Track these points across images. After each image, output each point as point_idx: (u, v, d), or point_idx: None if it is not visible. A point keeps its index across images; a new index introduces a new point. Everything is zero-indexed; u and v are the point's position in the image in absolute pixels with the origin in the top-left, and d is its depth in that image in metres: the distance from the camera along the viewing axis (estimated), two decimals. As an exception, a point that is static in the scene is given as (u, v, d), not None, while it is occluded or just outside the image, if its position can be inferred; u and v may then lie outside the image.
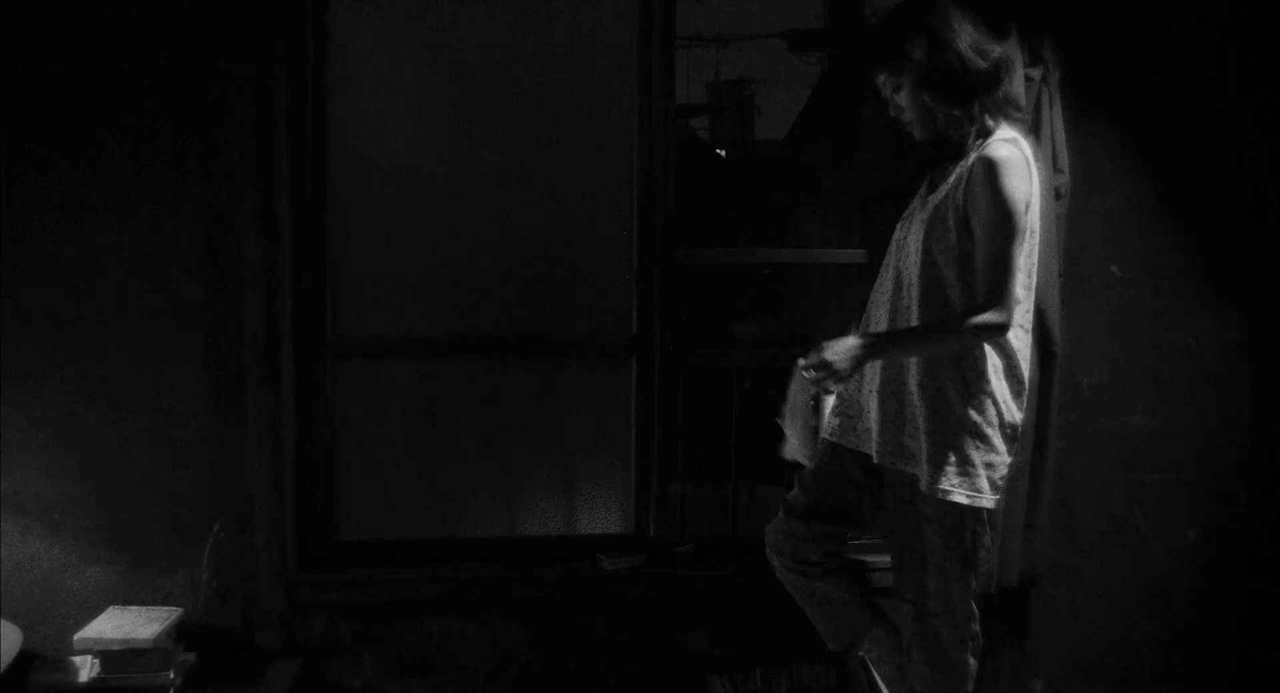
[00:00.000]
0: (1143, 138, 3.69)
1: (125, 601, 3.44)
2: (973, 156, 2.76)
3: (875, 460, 2.98)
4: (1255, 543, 3.80)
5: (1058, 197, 3.51)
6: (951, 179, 2.80)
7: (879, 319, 3.00)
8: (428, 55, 3.68)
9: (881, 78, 2.88)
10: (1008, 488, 3.50)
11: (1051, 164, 3.49)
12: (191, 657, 3.36)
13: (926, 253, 2.82)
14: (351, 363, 3.66)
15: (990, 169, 2.70)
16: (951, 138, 2.85)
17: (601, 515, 3.81)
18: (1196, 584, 3.82)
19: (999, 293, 2.70)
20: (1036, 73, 3.46)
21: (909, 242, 2.89)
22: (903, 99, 2.86)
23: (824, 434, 3.17)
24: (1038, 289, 3.48)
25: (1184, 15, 3.66)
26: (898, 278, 2.93)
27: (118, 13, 3.33)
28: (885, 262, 3.02)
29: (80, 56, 3.32)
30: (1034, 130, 3.47)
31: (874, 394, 2.98)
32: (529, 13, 3.67)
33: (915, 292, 2.84)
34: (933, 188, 2.92)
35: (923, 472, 2.85)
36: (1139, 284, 3.71)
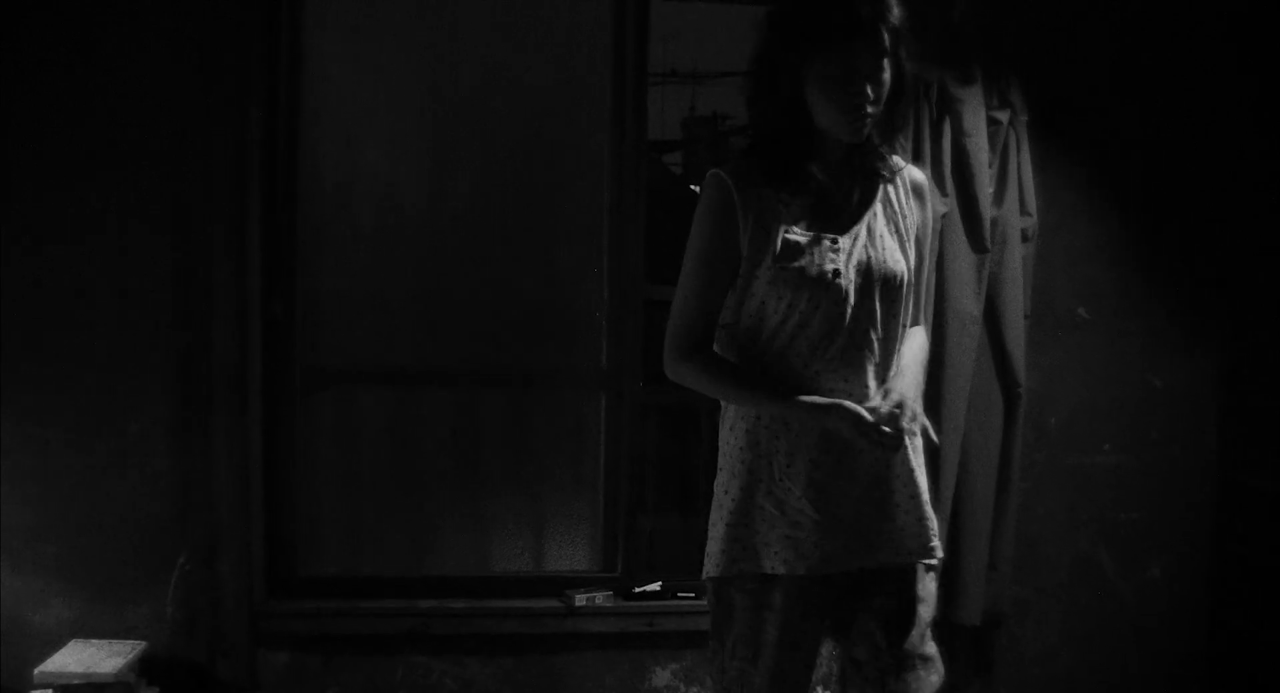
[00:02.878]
0: (1109, 180, 3.73)
1: (88, 633, 3.39)
2: (906, 172, 2.39)
3: (885, 562, 2.33)
4: (1223, 582, 3.82)
5: (1025, 238, 3.55)
6: (881, 193, 2.34)
7: (810, 351, 2.27)
8: (404, 88, 3.70)
9: (886, 41, 2.20)
10: (972, 527, 3.53)
11: (1019, 206, 3.53)
12: (155, 691, 3.32)
13: (900, 278, 2.33)
14: (322, 392, 3.66)
15: (926, 189, 2.43)
16: (864, 145, 2.30)
17: (570, 551, 3.81)
18: (1164, 624, 3.84)
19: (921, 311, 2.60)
20: (1004, 116, 3.50)
21: (853, 258, 2.28)
22: (884, 84, 2.23)
23: (775, 569, 2.29)
24: (1008, 328, 3.53)
25: (1151, 59, 3.71)
26: (839, 301, 2.26)
27: (90, 39, 3.33)
28: (800, 283, 2.25)
29: (54, 83, 3.32)
30: (1001, 172, 3.52)
31: (844, 478, 2.30)
32: (505, 47, 3.70)
33: (879, 316, 2.30)
34: (832, 200, 2.32)
35: (913, 541, 2.36)
36: (1105, 324, 3.75)
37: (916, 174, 2.44)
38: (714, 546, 2.35)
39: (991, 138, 3.50)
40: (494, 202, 3.72)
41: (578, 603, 3.58)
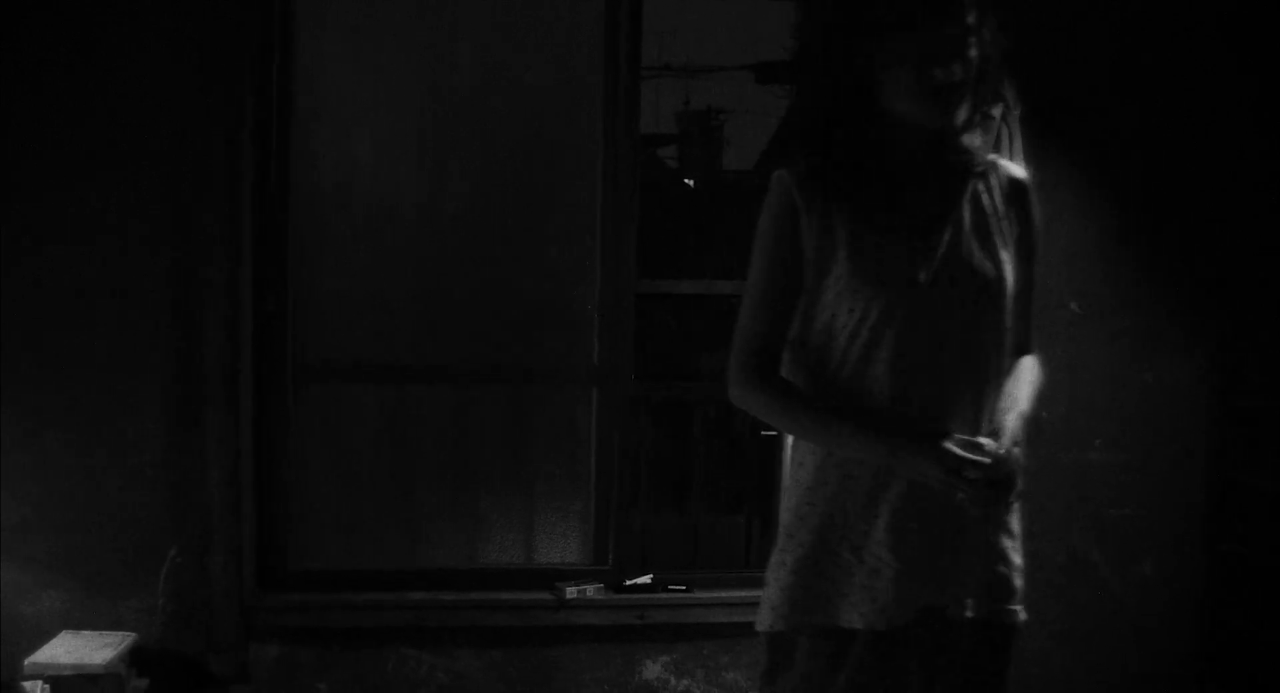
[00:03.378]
0: (1103, 175, 3.73)
1: (79, 625, 3.39)
2: (1000, 168, 2.09)
3: (972, 613, 2.02)
4: (1215, 578, 3.82)
5: (1018, 233, 3.55)
6: (969, 191, 2.03)
7: (889, 375, 1.95)
8: (399, 86, 3.70)
9: (973, 16, 1.92)
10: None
11: (1012, 201, 3.52)
12: (145, 683, 3.32)
13: (997, 286, 2.02)
14: (314, 388, 3.66)
15: (1030, 188, 2.10)
16: (946, 135, 1.99)
17: (562, 545, 3.81)
18: (1160, 622, 3.84)
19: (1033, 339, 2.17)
20: (997, 110, 3.49)
21: (934, 264, 1.96)
22: (971, 62, 1.91)
23: (852, 624, 1.99)
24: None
25: (1151, 59, 3.71)
26: (920, 314, 1.95)
27: (90, 39, 3.32)
28: (874, 292, 1.95)
29: (54, 82, 3.31)
30: (995, 167, 3.51)
31: (930, 521, 1.98)
32: (500, 44, 3.70)
33: (969, 334, 1.98)
34: (909, 198, 2.02)
35: (1001, 592, 2.10)
36: (1099, 320, 3.75)
37: (1015, 171, 2.09)
38: (776, 595, 2.05)
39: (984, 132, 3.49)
40: (488, 198, 3.72)
41: (569, 596, 3.58)
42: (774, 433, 8.19)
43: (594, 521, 3.77)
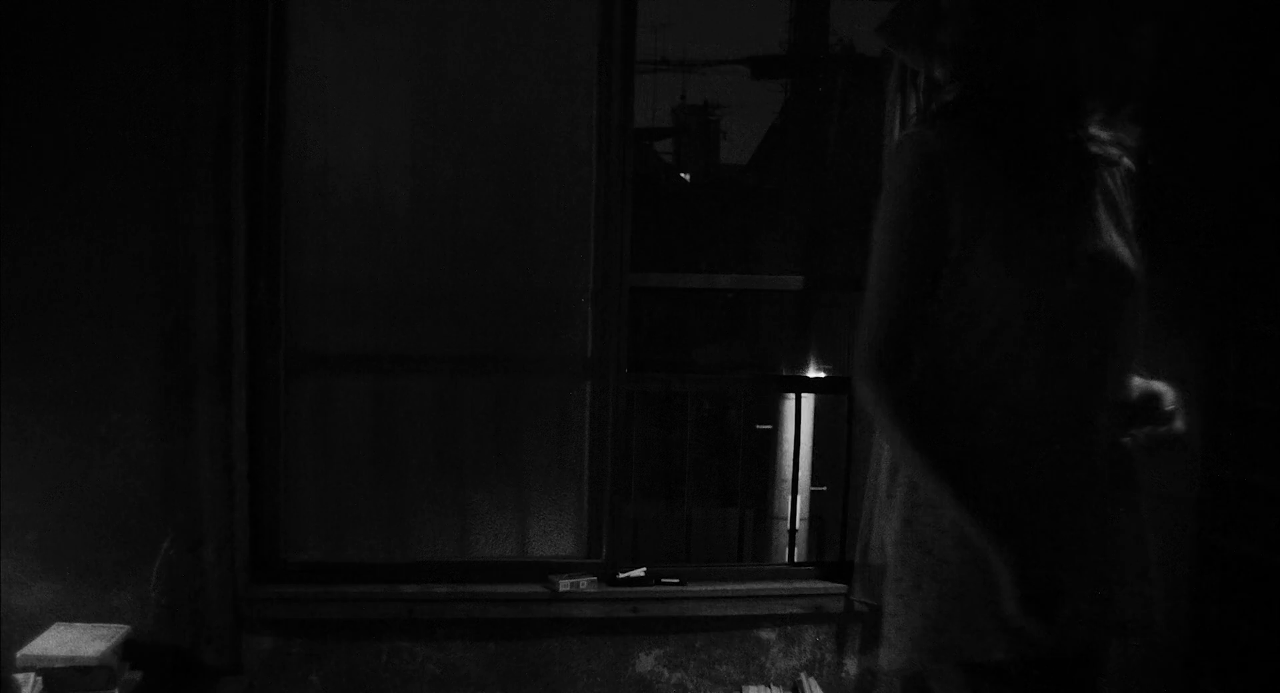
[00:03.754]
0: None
1: (71, 617, 3.39)
2: (1124, 163, 2.02)
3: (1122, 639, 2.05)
4: (1206, 576, 3.83)
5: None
6: (1100, 181, 1.96)
7: (1040, 366, 1.85)
8: (390, 74, 3.68)
9: None
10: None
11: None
12: (138, 675, 3.32)
13: (1136, 278, 1.94)
14: (306, 377, 3.65)
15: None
16: (1084, 121, 1.92)
17: (554, 537, 3.81)
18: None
19: None
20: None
21: (1098, 258, 1.87)
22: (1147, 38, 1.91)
23: (999, 655, 1.84)
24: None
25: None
26: (1076, 298, 1.85)
27: (79, 17, 3.31)
28: (1032, 273, 1.84)
29: (42, 59, 3.30)
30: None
31: (1075, 542, 1.89)
32: (491, 36, 3.68)
33: (1116, 325, 1.91)
34: (1050, 180, 1.91)
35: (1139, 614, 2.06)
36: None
37: (1130, 163, 2.01)
38: (907, 628, 1.87)
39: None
40: (481, 189, 3.71)
41: (562, 589, 3.58)
42: (769, 427, 8.23)
43: (587, 513, 3.77)
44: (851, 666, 3.75)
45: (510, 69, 3.70)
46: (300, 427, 3.66)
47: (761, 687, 3.67)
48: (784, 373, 9.14)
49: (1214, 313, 3.80)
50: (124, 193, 3.36)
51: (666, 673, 3.68)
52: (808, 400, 7.76)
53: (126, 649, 3.30)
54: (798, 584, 3.75)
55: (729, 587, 3.69)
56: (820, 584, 3.75)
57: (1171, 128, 3.71)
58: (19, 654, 3.14)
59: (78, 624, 3.34)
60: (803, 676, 3.69)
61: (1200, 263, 3.78)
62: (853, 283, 3.83)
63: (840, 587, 3.72)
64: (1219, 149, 3.76)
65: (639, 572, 3.71)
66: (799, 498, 8.60)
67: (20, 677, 3.17)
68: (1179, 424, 1.92)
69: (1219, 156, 3.76)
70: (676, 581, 3.69)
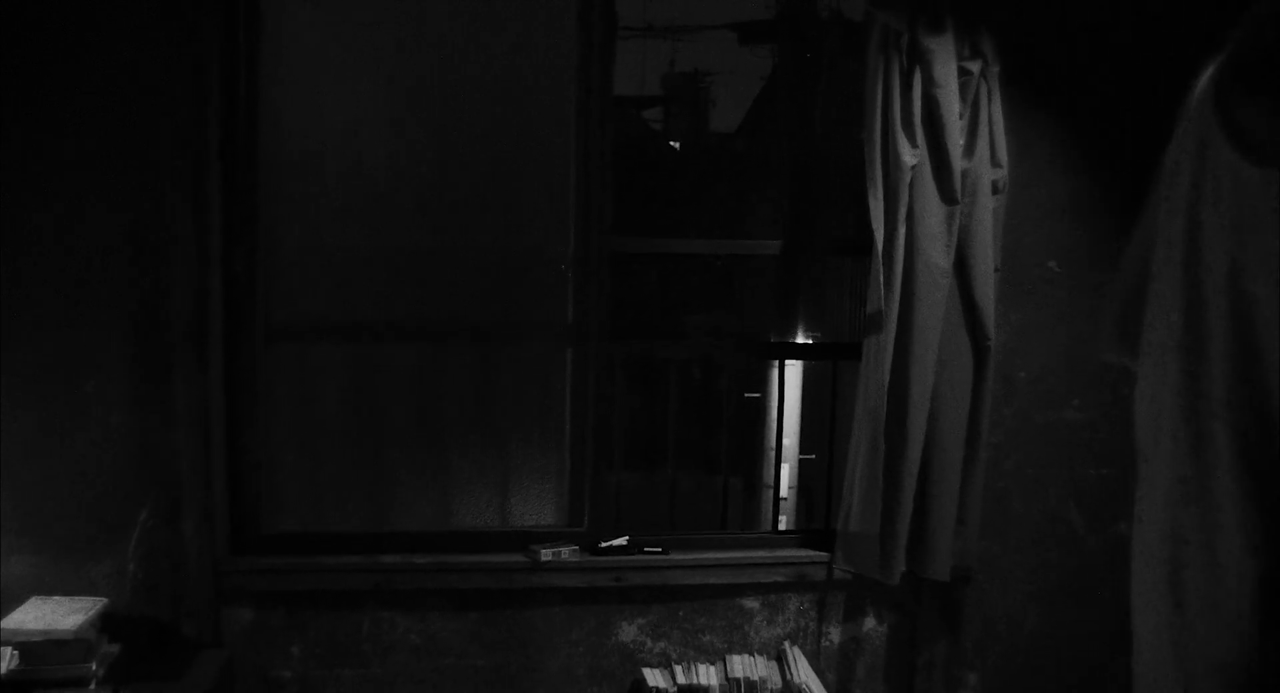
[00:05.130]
0: (1083, 132, 3.69)
1: (49, 591, 3.36)
2: None
3: None
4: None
5: (995, 191, 3.52)
6: None
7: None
8: (366, 40, 3.63)
9: None
10: (940, 482, 3.52)
11: (989, 158, 3.49)
12: (116, 648, 3.29)
13: None
14: (284, 347, 3.62)
15: None
16: None
17: (536, 506, 3.79)
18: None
19: None
20: (975, 66, 3.46)
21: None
22: None
23: None
24: (977, 281, 3.50)
25: (1130, 13, 3.66)
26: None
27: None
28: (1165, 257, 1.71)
29: (13, 33, 3.25)
30: (973, 124, 3.48)
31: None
32: (470, 2, 3.63)
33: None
34: None
35: None
36: (1077, 279, 3.72)
37: None
38: None
39: (963, 88, 3.45)
40: (459, 156, 3.68)
41: (543, 558, 3.56)
42: (756, 394, 8.21)
43: (569, 481, 3.75)
44: (835, 634, 3.74)
45: (489, 32, 3.65)
46: (280, 397, 3.63)
47: (745, 655, 3.65)
48: (772, 340, 9.13)
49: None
50: (97, 162, 3.30)
51: (649, 643, 3.67)
52: (796, 368, 7.74)
53: (105, 622, 3.27)
54: (781, 553, 3.74)
55: (712, 555, 3.68)
56: (804, 552, 3.73)
57: (1150, 92, 3.70)
58: (-5, 628, 3.12)
59: (55, 598, 3.32)
60: (786, 644, 3.68)
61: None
62: (836, 248, 3.80)
63: (823, 555, 3.70)
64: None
65: (621, 541, 3.69)
66: (787, 466, 8.61)
67: (-4, 650, 3.15)
68: None
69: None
70: (659, 549, 3.67)
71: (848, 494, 3.63)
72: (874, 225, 3.45)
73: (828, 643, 3.74)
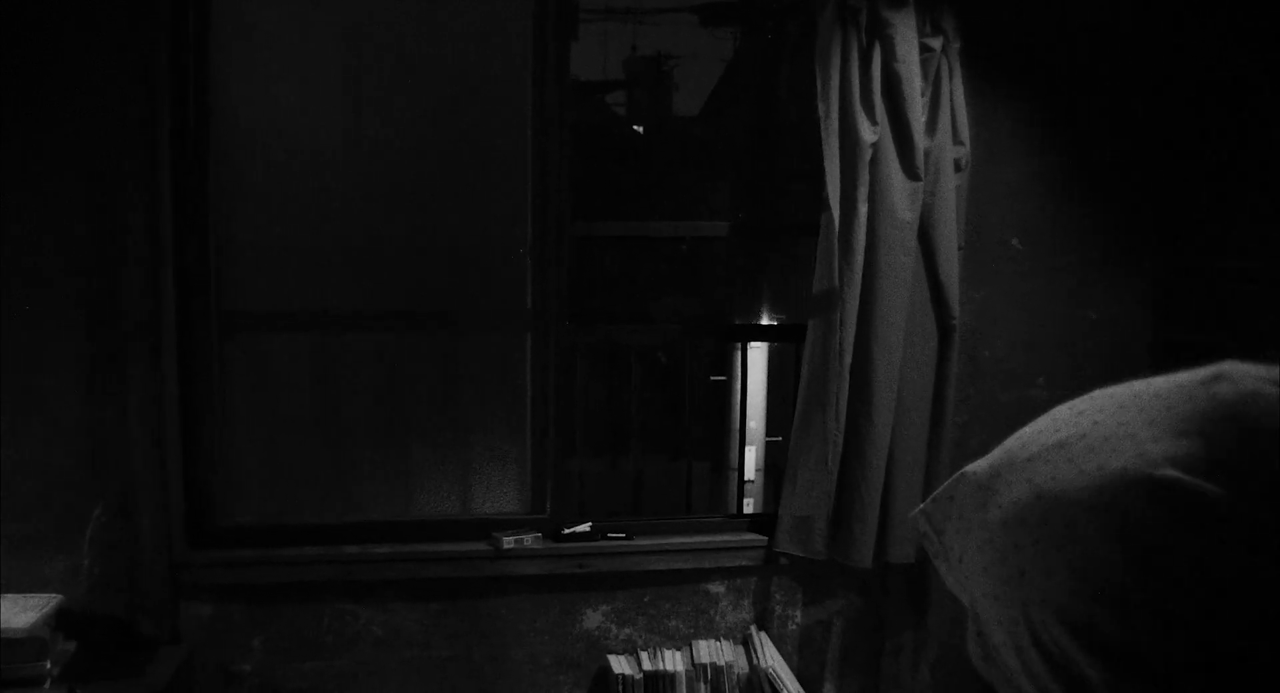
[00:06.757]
0: (1045, 110, 3.68)
1: (2, 589, 3.30)
2: None
3: None
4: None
5: (958, 168, 3.50)
6: None
7: None
8: (319, 27, 3.57)
9: None
10: (906, 462, 3.50)
11: (951, 135, 3.47)
12: (72, 646, 3.24)
13: None
14: (241, 338, 3.56)
15: None
16: None
17: (498, 494, 3.75)
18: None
19: None
20: (937, 43, 3.43)
21: None
22: None
23: None
24: (942, 259, 3.47)
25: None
26: None
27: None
28: None
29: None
30: (934, 101, 3.45)
31: None
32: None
33: None
34: None
35: None
36: (1040, 257, 3.70)
37: None
38: None
39: (924, 65, 3.43)
40: (415, 142, 3.63)
41: (506, 545, 3.52)
42: (723, 378, 8.18)
43: (530, 468, 3.71)
44: (801, 617, 3.72)
45: (443, 19, 3.60)
46: (238, 388, 3.58)
47: (711, 640, 3.63)
48: (736, 322, 9.10)
49: (1158, 250, 3.76)
50: (44, 150, 3.24)
51: (615, 629, 3.63)
52: (761, 350, 7.71)
53: (60, 620, 3.22)
54: (746, 536, 3.71)
55: (676, 540, 3.65)
56: (765, 536, 3.70)
57: (1111, 70, 3.68)
58: (-54, 627, 3.05)
59: (8, 596, 3.25)
60: (752, 629, 3.66)
61: (1145, 200, 3.74)
62: (798, 229, 3.76)
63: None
64: (1165, 88, 3.71)
65: (585, 527, 3.65)
66: (754, 449, 8.59)
67: (-53, 650, 3.09)
68: None
69: (1166, 96, 3.71)
70: (623, 535, 3.64)
71: (789, 477, 3.60)
72: (830, 201, 3.39)
73: (794, 627, 3.72)
